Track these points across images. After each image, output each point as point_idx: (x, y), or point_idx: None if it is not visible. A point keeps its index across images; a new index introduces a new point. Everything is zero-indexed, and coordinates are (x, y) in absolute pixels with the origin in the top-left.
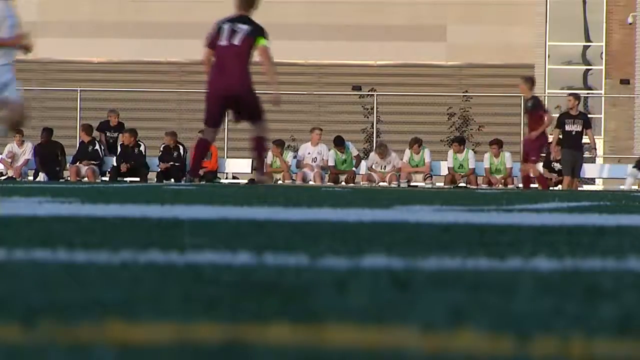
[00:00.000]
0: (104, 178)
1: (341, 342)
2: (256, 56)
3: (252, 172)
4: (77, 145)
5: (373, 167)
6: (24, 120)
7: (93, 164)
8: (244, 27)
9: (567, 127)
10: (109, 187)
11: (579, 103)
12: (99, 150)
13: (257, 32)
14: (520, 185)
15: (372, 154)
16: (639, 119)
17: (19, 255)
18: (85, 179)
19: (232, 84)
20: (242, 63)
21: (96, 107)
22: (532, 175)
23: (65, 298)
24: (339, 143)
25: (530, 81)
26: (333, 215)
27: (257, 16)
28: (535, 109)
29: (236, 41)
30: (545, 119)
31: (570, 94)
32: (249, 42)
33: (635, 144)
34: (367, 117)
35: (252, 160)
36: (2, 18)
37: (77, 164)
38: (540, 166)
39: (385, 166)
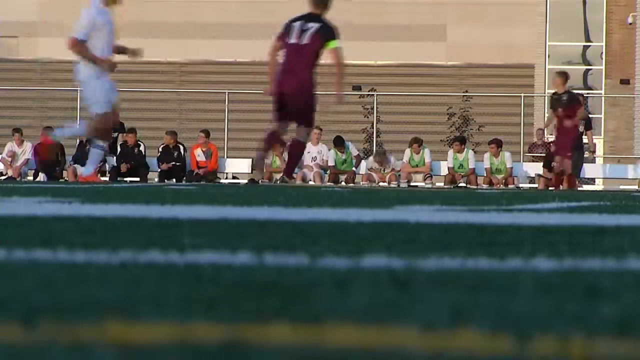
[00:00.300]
0: (103, 178)
1: (341, 342)
2: (326, 57)
3: (251, 172)
4: (77, 145)
5: (373, 167)
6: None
7: None
8: (313, 26)
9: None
10: (109, 187)
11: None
12: None
13: (328, 32)
14: (521, 185)
15: (372, 159)
16: (639, 119)
17: (19, 255)
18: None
19: (293, 82)
20: (307, 62)
21: None
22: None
23: (65, 298)
24: (339, 143)
25: (564, 75)
26: (333, 215)
27: (255, 16)
28: (571, 104)
29: (304, 40)
30: (579, 112)
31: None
32: (317, 42)
33: (635, 144)
34: (367, 117)
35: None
36: (101, 24)
37: (75, 164)
38: (540, 166)
39: (384, 169)
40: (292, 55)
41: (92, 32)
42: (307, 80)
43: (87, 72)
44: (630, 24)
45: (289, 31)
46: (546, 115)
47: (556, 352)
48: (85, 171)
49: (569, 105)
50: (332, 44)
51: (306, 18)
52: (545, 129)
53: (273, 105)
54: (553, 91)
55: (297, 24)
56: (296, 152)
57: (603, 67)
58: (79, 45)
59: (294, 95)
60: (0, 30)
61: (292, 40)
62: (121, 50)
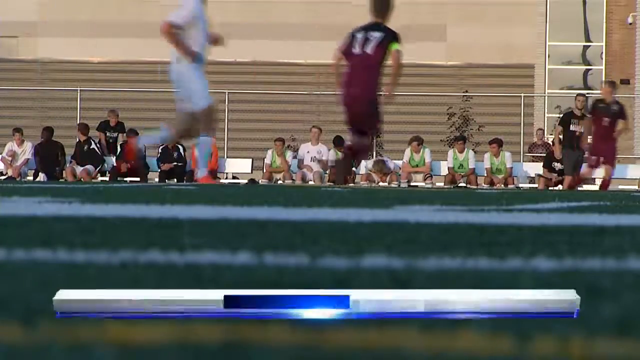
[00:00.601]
0: (103, 178)
1: (341, 342)
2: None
3: (251, 172)
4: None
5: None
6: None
7: (88, 164)
8: (376, 35)
9: (572, 127)
10: (109, 187)
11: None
12: (96, 149)
13: (390, 37)
14: (521, 185)
15: (370, 166)
16: (639, 119)
17: (19, 255)
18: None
19: (357, 92)
20: (371, 72)
21: (96, 107)
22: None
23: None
24: (338, 143)
25: (614, 85)
26: (333, 215)
27: (255, 16)
28: (619, 114)
29: (368, 50)
30: (624, 123)
31: (579, 94)
32: (381, 51)
33: (635, 144)
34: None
35: (331, 169)
36: (199, 17)
37: (72, 164)
38: (540, 166)
39: (385, 174)
40: (356, 67)
41: (191, 22)
42: (371, 89)
43: (180, 70)
44: (630, 24)
45: (352, 42)
46: (546, 116)
47: (556, 352)
48: (200, 174)
49: (618, 116)
50: (394, 46)
51: (369, 28)
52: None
53: (345, 116)
54: (599, 98)
55: (360, 34)
56: (353, 154)
57: (603, 67)
58: (173, 31)
59: (360, 105)
60: (0, 30)
61: (356, 51)
62: (214, 40)
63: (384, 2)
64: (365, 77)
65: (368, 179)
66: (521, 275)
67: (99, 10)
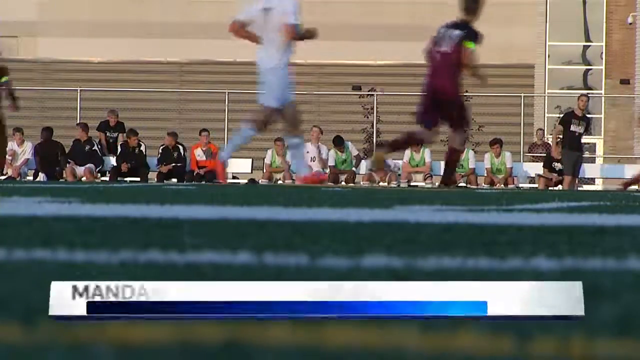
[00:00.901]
0: (103, 178)
1: (341, 342)
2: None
3: (251, 172)
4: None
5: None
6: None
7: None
8: (456, 34)
9: (572, 128)
10: (109, 187)
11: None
12: (97, 150)
13: (467, 36)
14: (521, 185)
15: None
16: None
17: (19, 255)
18: (84, 178)
19: (437, 88)
20: (449, 69)
21: (96, 107)
22: None
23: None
24: (338, 143)
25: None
26: (333, 215)
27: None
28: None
29: (446, 48)
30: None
31: (582, 95)
32: (458, 49)
33: (635, 144)
34: (367, 117)
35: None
36: (291, 12)
37: (72, 164)
38: (540, 166)
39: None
40: (436, 63)
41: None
42: (450, 85)
43: (268, 68)
44: (630, 24)
45: (435, 39)
46: (546, 116)
47: (556, 352)
48: (302, 172)
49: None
50: (468, 44)
51: (452, 26)
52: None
53: (419, 108)
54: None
55: (443, 30)
56: (451, 159)
57: (603, 67)
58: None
59: (442, 100)
60: (0, 30)
61: (437, 48)
62: (305, 35)
63: (469, 0)
64: (444, 73)
65: (369, 179)
66: (521, 275)
67: (99, 10)
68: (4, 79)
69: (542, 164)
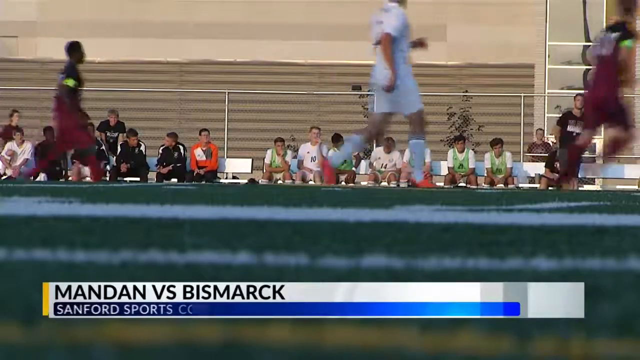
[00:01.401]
0: (103, 178)
1: (341, 342)
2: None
3: (251, 172)
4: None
5: (374, 164)
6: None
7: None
8: (612, 36)
9: (570, 128)
10: (109, 187)
11: None
12: (105, 150)
13: (622, 36)
14: (521, 185)
15: (376, 149)
16: (638, 119)
17: (19, 255)
18: (88, 178)
19: (595, 92)
20: (607, 73)
21: (96, 107)
22: None
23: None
24: (336, 140)
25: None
26: (333, 215)
27: (255, 16)
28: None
29: (603, 51)
30: None
31: (578, 94)
32: (615, 51)
33: (635, 144)
34: (367, 117)
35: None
36: (407, 26)
37: (77, 164)
38: (539, 166)
39: (386, 165)
40: (595, 67)
41: (402, 33)
42: (607, 88)
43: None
44: None
45: (598, 41)
46: (546, 116)
47: (556, 352)
48: (417, 177)
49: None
50: (623, 43)
51: (610, 28)
52: None
53: (584, 113)
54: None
55: (601, 34)
56: (612, 147)
57: None
58: (390, 43)
59: (600, 104)
60: (0, 30)
61: (598, 51)
62: (416, 44)
63: (627, 1)
64: (601, 77)
65: (374, 179)
66: (521, 275)
67: (99, 10)
68: None
69: (542, 163)
